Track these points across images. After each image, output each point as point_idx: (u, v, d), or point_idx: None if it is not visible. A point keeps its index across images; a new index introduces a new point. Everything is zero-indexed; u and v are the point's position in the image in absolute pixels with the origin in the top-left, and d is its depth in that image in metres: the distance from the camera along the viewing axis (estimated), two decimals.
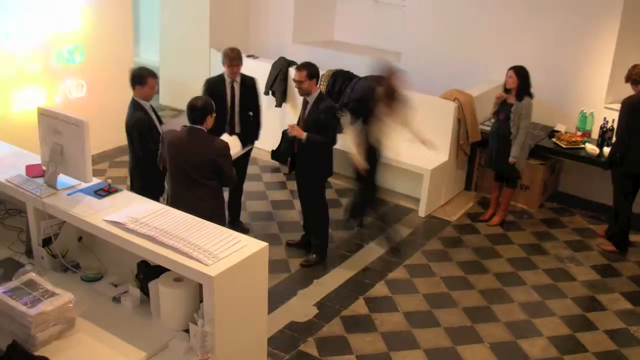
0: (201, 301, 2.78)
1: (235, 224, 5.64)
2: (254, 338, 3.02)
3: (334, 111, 5.11)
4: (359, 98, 6.52)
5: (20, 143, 4.00)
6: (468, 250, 5.72)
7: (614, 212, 5.76)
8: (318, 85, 5.16)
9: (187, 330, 2.88)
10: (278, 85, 7.09)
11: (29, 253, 3.45)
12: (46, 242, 3.32)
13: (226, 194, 5.08)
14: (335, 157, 5.35)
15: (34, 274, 2.95)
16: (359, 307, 4.83)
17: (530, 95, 5.73)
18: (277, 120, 7.01)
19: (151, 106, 4.81)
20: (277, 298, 4.76)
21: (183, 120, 4.26)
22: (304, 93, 5.08)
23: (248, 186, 6.69)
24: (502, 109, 5.83)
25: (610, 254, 5.76)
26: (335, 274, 5.21)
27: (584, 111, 6.45)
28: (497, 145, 5.92)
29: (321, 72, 6.89)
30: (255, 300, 2.95)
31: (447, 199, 6.59)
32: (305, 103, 5.15)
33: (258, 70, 7.28)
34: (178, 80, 8.67)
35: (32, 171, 3.46)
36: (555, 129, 6.56)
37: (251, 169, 7.02)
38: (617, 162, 5.53)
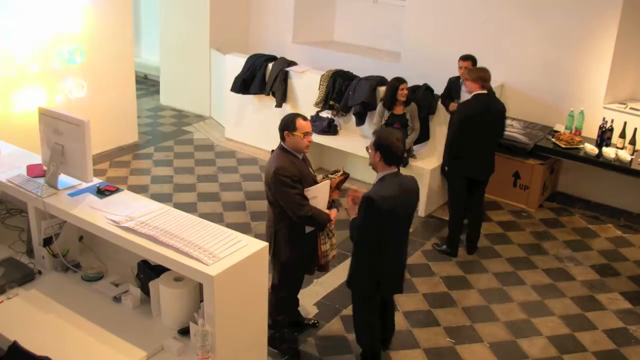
0: (201, 301, 2.80)
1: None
2: (254, 337, 3.03)
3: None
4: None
5: (21, 143, 4.02)
6: None
7: None
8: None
9: (187, 330, 2.89)
10: (278, 85, 7.09)
11: (29, 253, 3.47)
12: (47, 242, 3.34)
13: None
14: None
15: None
16: None
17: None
18: (277, 121, 6.98)
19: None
20: None
21: None
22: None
23: (248, 186, 6.71)
24: None
25: (610, 253, 5.77)
26: (335, 274, 5.21)
27: (573, 111, 6.47)
28: None
29: (321, 73, 6.96)
30: (255, 299, 2.96)
31: (447, 199, 6.59)
32: None
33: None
34: (178, 80, 8.69)
35: (33, 171, 3.48)
36: (555, 129, 6.57)
37: (251, 169, 7.03)
38: None
